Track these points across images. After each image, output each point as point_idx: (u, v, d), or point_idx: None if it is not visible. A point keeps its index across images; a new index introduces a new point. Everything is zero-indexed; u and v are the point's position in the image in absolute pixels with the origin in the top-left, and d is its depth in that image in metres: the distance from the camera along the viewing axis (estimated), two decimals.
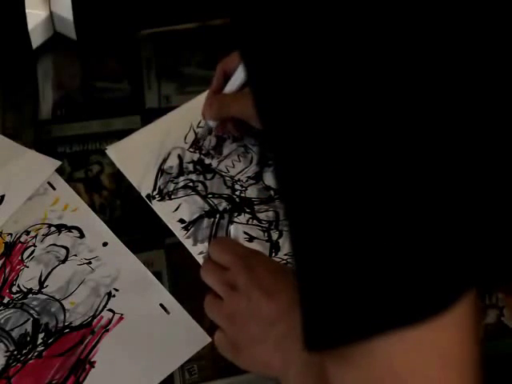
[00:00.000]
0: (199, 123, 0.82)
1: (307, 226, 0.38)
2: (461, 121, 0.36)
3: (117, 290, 0.69)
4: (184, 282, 0.71)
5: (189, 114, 0.83)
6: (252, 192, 0.77)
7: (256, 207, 0.76)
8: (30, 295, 0.69)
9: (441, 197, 0.36)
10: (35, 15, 0.87)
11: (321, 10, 0.34)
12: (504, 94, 0.36)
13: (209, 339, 0.66)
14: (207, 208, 0.76)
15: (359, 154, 0.35)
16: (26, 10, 0.85)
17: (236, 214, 0.75)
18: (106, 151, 0.79)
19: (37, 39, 0.88)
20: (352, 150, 0.35)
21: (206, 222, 0.75)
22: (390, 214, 0.35)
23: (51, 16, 0.88)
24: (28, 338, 0.66)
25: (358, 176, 0.35)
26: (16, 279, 0.69)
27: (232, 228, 0.74)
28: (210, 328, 0.65)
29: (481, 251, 0.39)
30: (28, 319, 0.67)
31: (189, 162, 0.79)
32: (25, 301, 0.68)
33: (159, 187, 0.77)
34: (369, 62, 0.34)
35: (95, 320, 0.67)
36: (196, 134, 0.81)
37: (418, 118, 0.35)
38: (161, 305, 0.69)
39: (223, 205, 0.76)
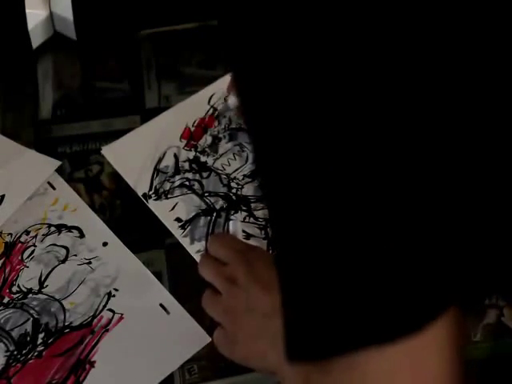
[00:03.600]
0: (194, 122, 0.82)
1: (290, 237, 0.38)
2: (460, 122, 0.36)
3: (117, 290, 0.69)
4: (184, 281, 0.71)
5: (184, 113, 0.83)
6: (248, 190, 0.77)
7: (253, 205, 0.76)
8: (30, 295, 0.69)
9: (428, 212, 0.36)
10: (35, 15, 0.87)
11: (311, 9, 0.34)
12: (504, 93, 0.36)
13: (209, 339, 0.66)
14: (204, 206, 0.76)
15: (350, 154, 0.35)
16: (26, 10, 0.85)
17: (233, 212, 0.75)
18: (102, 151, 0.79)
19: (37, 39, 0.88)
20: (343, 151, 0.35)
21: (202, 220, 0.75)
22: (372, 225, 0.35)
23: (51, 16, 0.88)
24: (28, 338, 0.66)
25: (344, 180, 0.35)
26: (16, 279, 0.69)
27: (231, 224, 0.74)
28: (210, 328, 0.65)
29: (462, 269, 0.39)
30: (28, 319, 0.67)
31: (184, 161, 0.79)
32: (25, 301, 0.68)
33: (155, 187, 0.77)
34: (362, 63, 0.34)
35: (95, 320, 0.67)
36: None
37: (411, 119, 0.35)
38: (161, 305, 0.69)
39: (220, 203, 0.76)
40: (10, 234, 0.72)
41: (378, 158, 0.35)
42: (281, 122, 0.36)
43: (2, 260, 0.71)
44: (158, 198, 0.76)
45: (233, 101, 0.80)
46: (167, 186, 0.77)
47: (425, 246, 0.36)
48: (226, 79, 0.84)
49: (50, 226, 0.73)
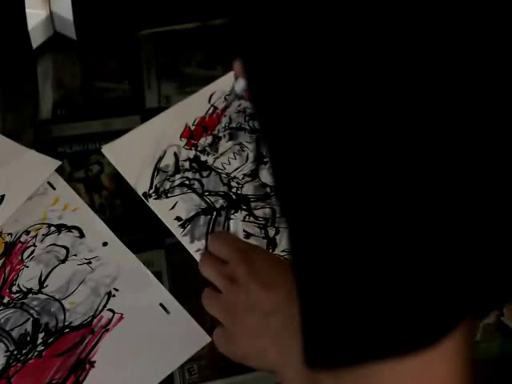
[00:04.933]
0: (194, 121, 0.82)
1: (308, 245, 0.38)
2: (461, 122, 0.36)
3: (117, 290, 0.69)
4: (184, 282, 0.71)
5: (184, 112, 0.83)
6: (248, 189, 0.77)
7: (252, 204, 0.76)
8: (30, 295, 0.69)
9: (446, 227, 0.36)
10: (35, 15, 0.87)
11: (319, 10, 0.34)
12: (504, 93, 0.36)
13: (209, 339, 0.66)
14: (204, 205, 0.76)
15: (357, 155, 0.35)
16: (26, 10, 0.85)
17: (233, 211, 0.75)
18: (102, 150, 0.79)
19: (37, 39, 0.88)
20: (349, 151, 0.35)
21: (202, 219, 0.75)
22: (388, 239, 0.35)
23: (51, 16, 0.88)
24: (28, 338, 0.66)
25: (353, 182, 0.35)
26: (16, 279, 0.69)
27: (231, 223, 0.74)
28: (210, 328, 0.65)
29: (475, 284, 0.39)
30: (28, 319, 0.67)
31: (185, 160, 0.79)
32: (25, 301, 0.68)
33: (155, 186, 0.77)
34: (367, 61, 0.34)
35: (95, 320, 0.67)
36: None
37: (417, 118, 0.35)
38: (161, 305, 0.69)
39: (220, 202, 0.76)
40: (10, 234, 0.72)
41: (386, 159, 0.35)
42: (289, 118, 0.36)
43: (2, 260, 0.71)
44: (158, 196, 0.76)
45: (240, 86, 0.79)
46: (167, 184, 0.77)
47: (442, 260, 0.36)
48: (226, 79, 0.84)
49: (49, 225, 0.73)
